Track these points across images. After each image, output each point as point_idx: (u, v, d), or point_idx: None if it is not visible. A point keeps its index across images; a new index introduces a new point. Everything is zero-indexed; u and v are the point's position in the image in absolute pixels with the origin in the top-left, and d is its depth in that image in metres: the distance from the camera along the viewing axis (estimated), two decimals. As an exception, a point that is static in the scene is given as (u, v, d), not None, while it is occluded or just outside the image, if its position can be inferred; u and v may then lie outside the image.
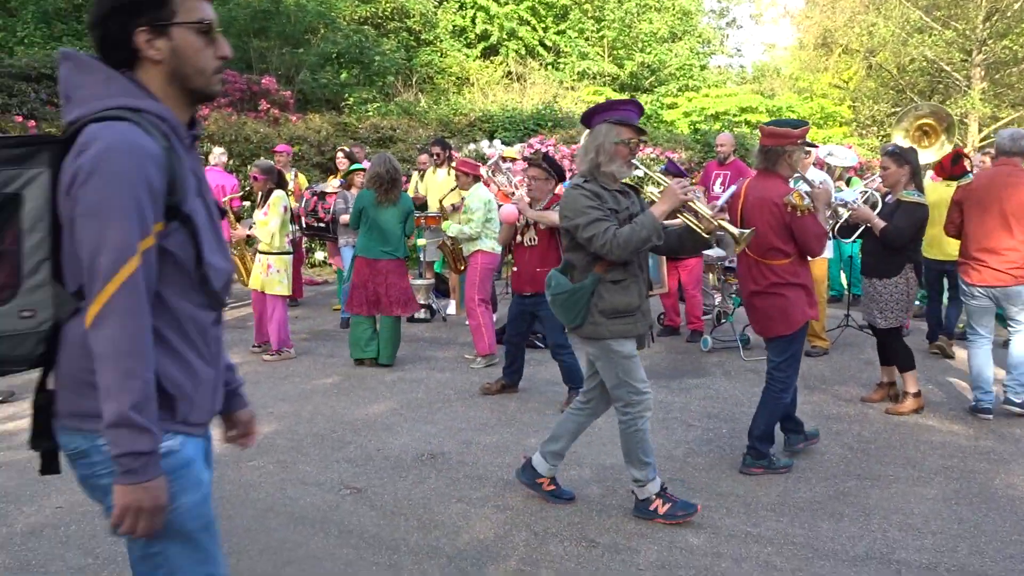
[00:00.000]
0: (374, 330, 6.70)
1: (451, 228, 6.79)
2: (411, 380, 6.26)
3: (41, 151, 1.62)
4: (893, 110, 27.96)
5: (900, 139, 7.10)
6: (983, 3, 24.51)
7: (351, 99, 17.45)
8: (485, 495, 4.02)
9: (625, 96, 22.50)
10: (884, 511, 3.79)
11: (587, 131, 3.70)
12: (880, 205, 5.58)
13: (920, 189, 5.29)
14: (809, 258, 4.27)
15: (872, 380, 6.20)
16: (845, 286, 8.93)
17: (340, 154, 9.29)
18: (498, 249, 6.63)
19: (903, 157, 5.35)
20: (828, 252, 7.12)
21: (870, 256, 5.45)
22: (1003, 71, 26.24)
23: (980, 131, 25.48)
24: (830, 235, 5.76)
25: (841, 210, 5.39)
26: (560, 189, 5.69)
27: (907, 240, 5.13)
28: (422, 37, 22.95)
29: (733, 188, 4.48)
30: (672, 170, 7.72)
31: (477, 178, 6.83)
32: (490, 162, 8.73)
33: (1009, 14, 24.40)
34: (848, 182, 8.95)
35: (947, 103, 23.60)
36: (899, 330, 5.41)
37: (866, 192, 5.90)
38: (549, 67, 24.52)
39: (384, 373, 6.48)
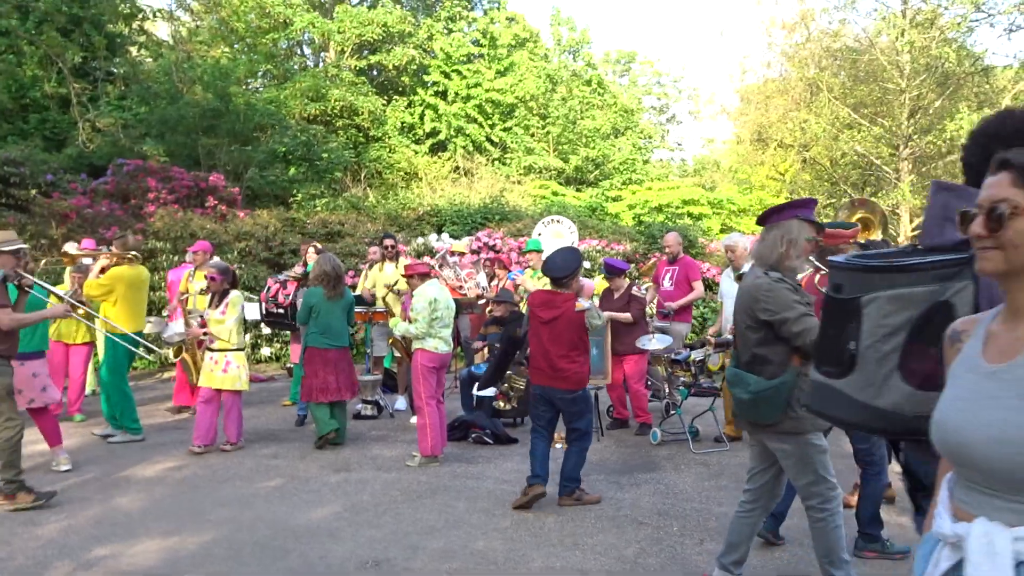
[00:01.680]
0: (332, 414, 7.17)
1: (399, 327, 6.76)
2: (356, 481, 6.10)
3: (965, 268, 1.90)
4: (828, 201, 29.11)
5: None
6: (906, 101, 25.94)
7: (299, 195, 17.54)
8: (431, 605, 3.88)
9: (571, 189, 23.06)
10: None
11: (772, 225, 3.67)
12: None
13: None
14: None
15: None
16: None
17: (312, 249, 9.36)
18: (442, 349, 6.60)
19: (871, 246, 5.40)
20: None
21: None
22: (929, 164, 27.58)
23: (912, 221, 26.56)
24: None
25: None
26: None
27: None
28: (371, 134, 23.36)
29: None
30: (612, 264, 7.87)
31: (425, 276, 6.85)
32: (437, 256, 8.83)
33: (931, 111, 25.83)
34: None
35: (879, 195, 24.68)
36: None
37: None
38: (496, 162, 25.06)
39: (329, 474, 6.30)
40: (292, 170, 18.62)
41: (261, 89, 21.49)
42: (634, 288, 7.77)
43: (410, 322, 6.61)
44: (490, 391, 7.75)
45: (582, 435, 5.55)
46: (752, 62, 32.91)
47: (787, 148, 29.67)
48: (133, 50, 18.71)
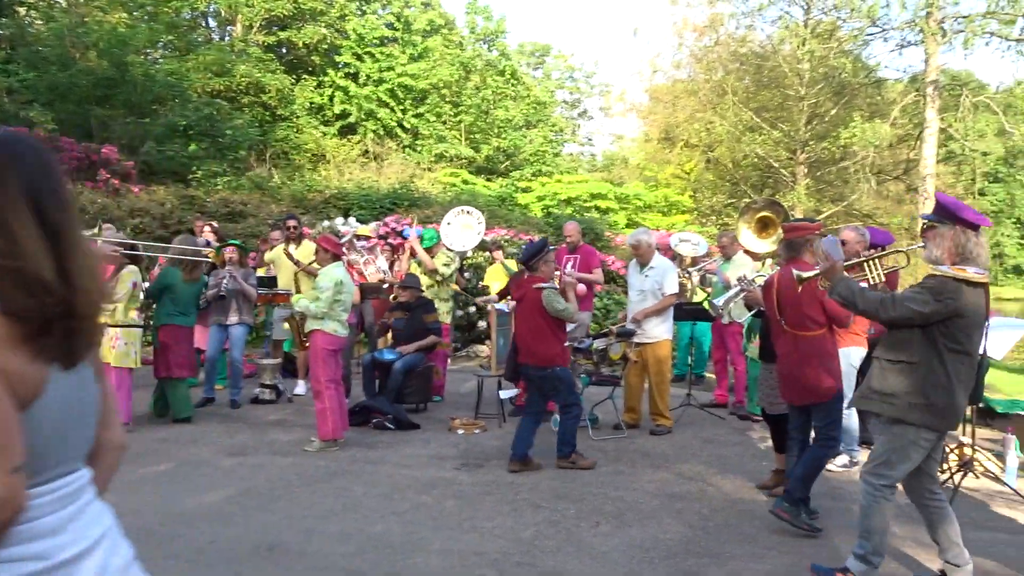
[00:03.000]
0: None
1: (300, 303, 6.62)
2: (251, 465, 5.94)
3: None
4: (729, 201, 30.04)
5: (745, 232, 7.54)
6: (805, 108, 26.98)
7: (199, 172, 16.94)
8: (325, 588, 3.81)
9: (481, 179, 23.04)
10: (722, 588, 3.88)
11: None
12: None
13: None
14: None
15: (713, 457, 6.44)
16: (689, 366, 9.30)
17: (208, 228, 9.09)
18: (341, 332, 6.50)
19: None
20: (670, 334, 7.43)
21: (765, 340, 5.53)
22: (823, 169, 28.80)
23: (805, 222, 27.56)
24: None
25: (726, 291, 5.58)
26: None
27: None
28: (278, 112, 22.75)
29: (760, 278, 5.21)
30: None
31: (336, 257, 6.72)
32: (343, 240, 8.67)
33: (827, 119, 26.96)
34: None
35: (777, 196, 25.59)
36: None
37: (763, 275, 6.10)
38: (407, 148, 24.83)
39: (222, 458, 6.12)
40: (193, 146, 17.95)
41: (161, 60, 20.58)
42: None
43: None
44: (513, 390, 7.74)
45: (568, 406, 6.04)
46: (663, 62, 33.60)
47: (693, 148, 30.48)
48: (21, 11, 17.64)
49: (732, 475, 5.92)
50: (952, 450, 5.79)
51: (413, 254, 8.83)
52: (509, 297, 7.70)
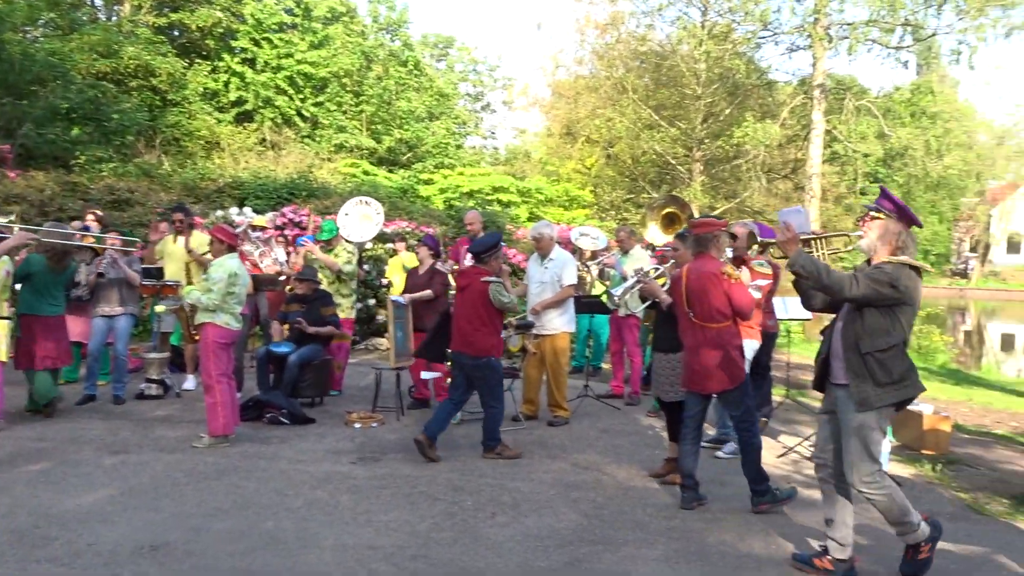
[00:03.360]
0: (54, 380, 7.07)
1: (191, 294, 6.37)
2: (135, 463, 5.68)
3: None
4: (628, 196, 30.66)
5: (654, 228, 7.71)
6: (701, 107, 27.77)
7: (82, 157, 16.08)
8: (212, 588, 3.69)
9: (383, 170, 22.76)
10: (614, 574, 3.95)
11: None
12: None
13: None
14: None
15: (609, 446, 6.56)
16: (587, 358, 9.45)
17: (91, 216, 8.62)
18: (234, 325, 6.31)
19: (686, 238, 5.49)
20: (570, 326, 7.52)
21: (658, 331, 5.64)
22: (718, 167, 29.73)
23: (701, 218, 28.43)
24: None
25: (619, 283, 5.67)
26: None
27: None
28: (169, 97, 21.84)
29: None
30: (428, 243, 7.90)
31: (232, 248, 6.50)
32: (238, 230, 8.40)
33: (722, 118, 27.83)
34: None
35: (674, 192, 26.26)
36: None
37: (659, 268, 6.21)
38: (306, 138, 24.27)
39: (103, 456, 5.84)
40: (76, 130, 17.02)
41: (42, 39, 19.41)
42: (438, 264, 7.79)
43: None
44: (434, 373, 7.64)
45: (492, 400, 6.17)
46: (565, 58, 34.00)
47: (594, 144, 30.96)
48: None
49: (626, 464, 6.04)
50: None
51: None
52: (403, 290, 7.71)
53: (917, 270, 3.85)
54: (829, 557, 4.01)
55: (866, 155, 30.41)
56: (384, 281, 9.17)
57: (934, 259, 45.74)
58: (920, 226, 4.14)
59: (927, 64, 32.18)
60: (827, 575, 3.99)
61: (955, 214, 48.18)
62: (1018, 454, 6.95)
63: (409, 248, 10.64)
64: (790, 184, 29.53)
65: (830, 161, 31.15)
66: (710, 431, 6.61)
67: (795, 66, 44.29)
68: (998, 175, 46.05)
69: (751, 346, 6.20)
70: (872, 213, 4.00)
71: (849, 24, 23.74)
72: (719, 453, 6.35)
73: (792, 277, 4.11)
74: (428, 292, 7.58)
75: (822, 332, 4.18)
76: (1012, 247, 53.65)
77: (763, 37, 25.53)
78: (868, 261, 4.03)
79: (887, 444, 6.18)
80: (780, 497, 5.03)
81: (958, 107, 36.23)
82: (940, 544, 4.03)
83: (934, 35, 24.13)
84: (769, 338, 6.79)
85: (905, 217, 3.96)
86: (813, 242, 4.44)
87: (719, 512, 4.98)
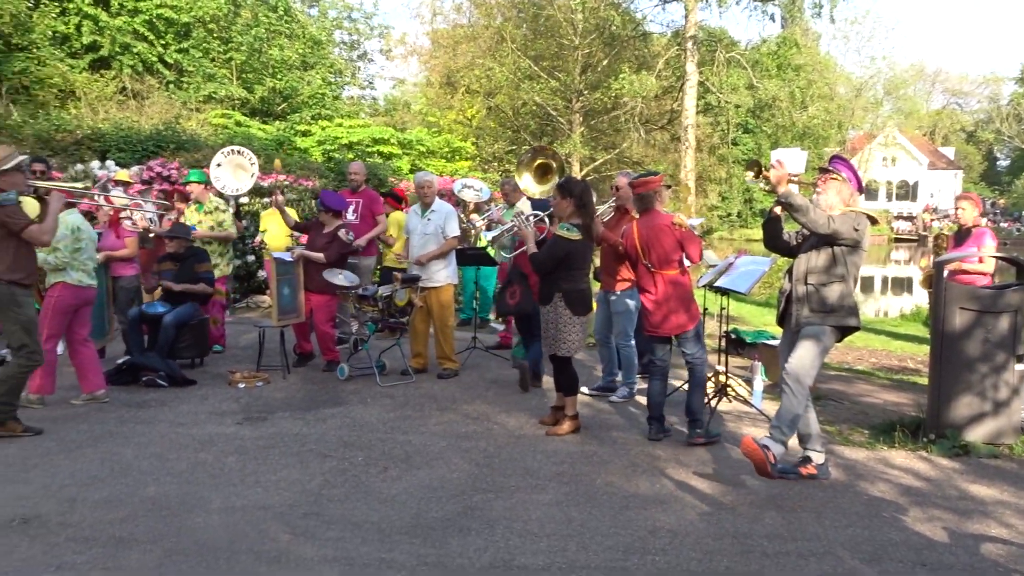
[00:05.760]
0: None
1: (39, 255, 5.98)
2: (-1, 436, 5.35)
3: None
4: (511, 148, 30.70)
5: (528, 179, 7.70)
6: (579, 58, 27.96)
7: (-82, 107, 14.71)
8: (92, 558, 3.54)
9: (257, 121, 21.85)
10: (507, 520, 4.04)
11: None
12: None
13: (587, 224, 5.40)
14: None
15: (498, 396, 6.65)
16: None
17: (40, 166, 7.88)
18: (85, 282, 5.99)
19: (567, 189, 5.44)
20: (454, 278, 7.51)
21: (541, 284, 5.59)
22: (597, 118, 30.12)
23: (582, 169, 28.91)
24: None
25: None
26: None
27: (545, 270, 5.38)
28: (14, 42, 20.14)
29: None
30: (330, 206, 7.57)
31: (70, 204, 6.12)
32: (99, 184, 7.90)
33: (600, 69, 28.13)
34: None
35: (555, 144, 26.52)
36: (566, 357, 5.50)
37: (538, 214, 6.20)
38: (171, 86, 22.97)
39: (-37, 430, 5.46)
40: (-93, 77, 15.53)
41: None
42: (341, 232, 7.55)
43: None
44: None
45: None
46: (443, 5, 33.35)
47: (474, 94, 30.72)
48: None
49: (516, 413, 6.15)
50: (709, 377, 6.37)
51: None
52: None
53: (872, 220, 4.61)
54: (812, 464, 4.72)
55: (737, 106, 31.49)
56: (259, 239, 8.84)
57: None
58: (862, 191, 4.91)
59: (791, 18, 33.39)
60: (812, 479, 4.68)
61: (819, 163, 50.77)
62: (876, 388, 7.49)
63: (289, 204, 10.30)
64: (667, 135, 30.29)
65: (703, 112, 32.10)
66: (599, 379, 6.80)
67: (669, 18, 45.22)
68: (856, 125, 48.77)
69: None
70: (829, 174, 4.66)
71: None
72: (613, 397, 6.55)
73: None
74: (321, 256, 7.36)
75: (786, 272, 4.82)
76: (869, 195, 57.15)
77: (638, -13, 25.82)
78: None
79: (759, 383, 6.55)
80: (711, 435, 5.44)
81: (820, 60, 37.87)
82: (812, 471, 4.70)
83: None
84: None
85: (855, 181, 4.69)
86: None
87: (607, 456, 5.15)
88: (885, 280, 27.19)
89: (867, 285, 26.39)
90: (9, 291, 5.19)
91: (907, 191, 58.04)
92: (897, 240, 46.67)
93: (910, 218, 51.16)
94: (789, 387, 4.52)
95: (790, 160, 4.80)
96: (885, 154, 55.05)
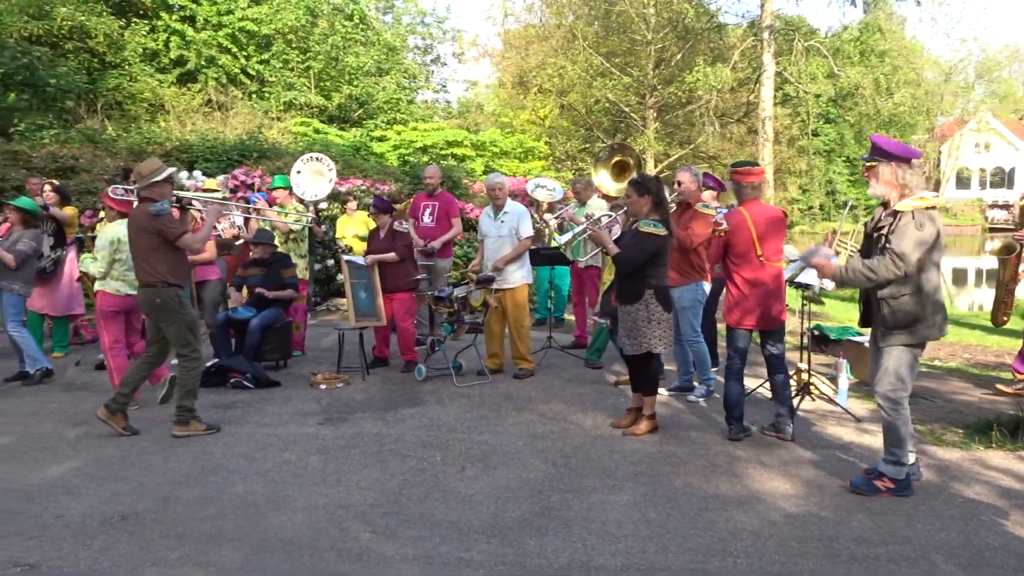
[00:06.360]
0: None
1: (84, 263, 6.43)
2: (99, 435, 5.61)
3: None
4: (584, 146, 30.57)
5: (605, 176, 7.69)
6: (652, 53, 27.64)
7: (21, 125, 15.54)
8: (185, 554, 3.69)
9: (334, 128, 22.34)
10: (584, 521, 4.03)
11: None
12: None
13: (666, 219, 5.38)
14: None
15: (574, 396, 6.65)
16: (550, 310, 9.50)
17: (48, 187, 8.39)
18: (123, 291, 6.30)
19: (643, 186, 5.41)
20: (528, 278, 7.54)
21: (617, 283, 5.59)
22: (671, 113, 29.72)
23: (656, 166, 28.59)
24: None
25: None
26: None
27: (635, 267, 5.31)
28: (108, 60, 21.10)
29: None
30: (380, 205, 7.76)
31: (123, 215, 6.41)
32: (188, 194, 8.20)
33: (673, 63, 27.75)
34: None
35: (628, 140, 26.26)
36: (647, 356, 5.47)
37: (611, 215, 6.17)
38: (253, 96, 23.69)
39: (66, 428, 5.76)
40: (12, 96, 16.42)
41: (-33, 2, 18.59)
42: (395, 224, 7.70)
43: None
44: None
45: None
46: (515, 6, 33.52)
47: (546, 94, 30.70)
48: None
49: (592, 413, 6.13)
50: (792, 375, 6.23)
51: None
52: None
53: (933, 206, 4.10)
54: (888, 477, 4.35)
55: (817, 95, 30.58)
56: (342, 244, 9.07)
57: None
58: (918, 156, 4.34)
59: (874, 2, 32.29)
60: (888, 492, 4.35)
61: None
62: (970, 385, 7.18)
63: (363, 207, 10.51)
64: (743, 128, 29.67)
65: (782, 103, 31.30)
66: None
67: (744, 8, 44.30)
68: (946, 111, 46.80)
69: (705, 288, 6.39)
70: (868, 164, 4.32)
71: (797, -36, 23.65)
72: (690, 397, 6.47)
73: None
74: (392, 255, 7.50)
75: None
76: (961, 183, 54.86)
77: (712, -21, 25.40)
78: (884, 205, 4.26)
79: (845, 381, 6.36)
80: (744, 430, 5.44)
81: (905, 45, 36.46)
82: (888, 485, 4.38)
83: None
84: (717, 284, 6.85)
85: (895, 156, 4.17)
86: (835, 245, 4.78)
87: (685, 456, 5.09)
88: (980, 272, 26.02)
89: (960, 277, 25.32)
90: (175, 293, 5.52)
91: (1002, 178, 55.46)
92: (992, 230, 44.57)
93: (1006, 206, 48.78)
94: (886, 412, 4.29)
95: (816, 255, 4.53)
96: (978, 140, 52.66)
